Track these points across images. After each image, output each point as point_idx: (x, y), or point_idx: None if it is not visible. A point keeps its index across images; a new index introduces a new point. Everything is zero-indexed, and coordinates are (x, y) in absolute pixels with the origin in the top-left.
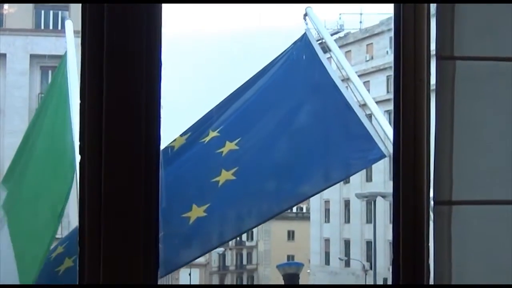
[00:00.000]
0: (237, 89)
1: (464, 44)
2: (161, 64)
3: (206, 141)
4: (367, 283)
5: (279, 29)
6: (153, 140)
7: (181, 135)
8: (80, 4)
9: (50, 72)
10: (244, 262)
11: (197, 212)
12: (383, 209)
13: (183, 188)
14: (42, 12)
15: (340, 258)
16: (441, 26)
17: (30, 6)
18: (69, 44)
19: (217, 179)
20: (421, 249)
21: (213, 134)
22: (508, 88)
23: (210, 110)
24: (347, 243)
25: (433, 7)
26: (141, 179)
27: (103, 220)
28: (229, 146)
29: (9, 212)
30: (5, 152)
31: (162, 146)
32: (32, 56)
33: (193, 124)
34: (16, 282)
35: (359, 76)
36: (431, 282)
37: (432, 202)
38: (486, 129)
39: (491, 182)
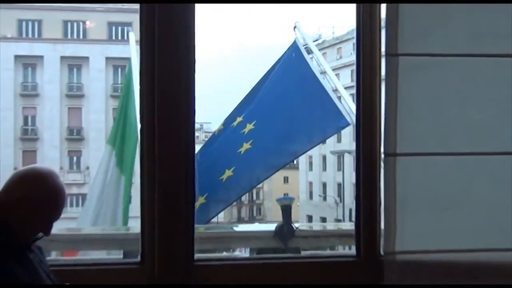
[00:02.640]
0: (255, 85)
1: (406, 43)
2: (195, 60)
3: (234, 125)
4: (338, 212)
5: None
6: (190, 117)
7: (222, 124)
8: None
9: (119, 69)
10: (254, 198)
11: (227, 173)
12: (349, 161)
13: (220, 159)
14: (113, 27)
15: (319, 195)
16: (388, 26)
17: (105, 23)
18: (132, 49)
19: (240, 150)
20: (374, 189)
21: (239, 119)
22: (440, 75)
23: (238, 104)
24: (324, 185)
25: None
26: (182, 145)
27: (158, 174)
28: (249, 127)
29: (120, 165)
30: (90, 124)
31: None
32: (107, 58)
33: (228, 115)
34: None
35: (332, 70)
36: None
37: (382, 155)
38: (421, 104)
39: (426, 140)
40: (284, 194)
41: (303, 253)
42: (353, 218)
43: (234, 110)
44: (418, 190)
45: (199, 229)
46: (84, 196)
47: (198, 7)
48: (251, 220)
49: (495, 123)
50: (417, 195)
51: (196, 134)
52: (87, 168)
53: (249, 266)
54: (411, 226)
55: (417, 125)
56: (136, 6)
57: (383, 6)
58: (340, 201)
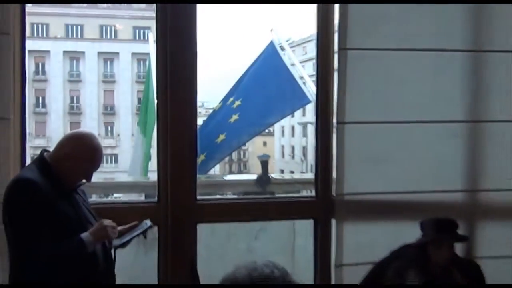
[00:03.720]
0: (243, 73)
1: (354, 38)
2: (197, 51)
3: (228, 103)
4: (303, 167)
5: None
6: (193, 96)
7: (219, 102)
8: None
9: (142, 62)
10: (241, 157)
11: (221, 137)
12: (311, 130)
13: (217, 128)
14: (137, 30)
15: (289, 155)
16: (340, 25)
17: (130, 26)
18: (150, 46)
19: (230, 120)
20: (329, 149)
21: (231, 99)
22: (381, 64)
23: (231, 87)
24: (293, 147)
25: None
26: (188, 117)
27: (170, 138)
28: (237, 103)
29: (143, 131)
30: (120, 102)
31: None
32: (132, 54)
33: (224, 96)
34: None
35: (299, 62)
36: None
37: (335, 124)
38: (365, 86)
39: (368, 112)
40: (263, 154)
41: (277, 195)
42: (313, 170)
43: (228, 92)
44: (361, 148)
45: (201, 178)
46: (116, 155)
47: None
48: (239, 172)
49: (422, 100)
50: (361, 152)
51: (198, 110)
52: (118, 135)
53: (236, 204)
54: (355, 175)
55: (361, 101)
56: (153, 13)
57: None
58: (304, 159)
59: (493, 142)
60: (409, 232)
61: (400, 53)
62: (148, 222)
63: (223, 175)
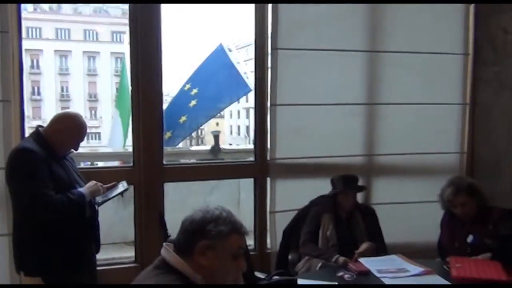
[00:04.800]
0: (198, 67)
1: (284, 39)
2: (161, 45)
3: (186, 89)
4: (246, 142)
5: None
6: (159, 85)
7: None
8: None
9: (118, 59)
10: (199, 134)
11: (183, 118)
12: (253, 112)
13: (179, 111)
14: (114, 34)
15: (236, 132)
16: (272, 26)
17: (109, 30)
18: (125, 47)
19: (190, 104)
20: (264, 126)
21: (188, 86)
22: (308, 60)
23: (188, 78)
24: (239, 127)
25: None
26: (155, 99)
27: (142, 118)
28: (195, 91)
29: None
30: (101, 92)
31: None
32: (111, 53)
33: (183, 84)
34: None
35: (244, 61)
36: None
37: (269, 106)
38: (293, 77)
39: (296, 97)
40: (215, 130)
41: (226, 160)
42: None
43: (186, 81)
44: (289, 124)
45: (167, 149)
46: (99, 134)
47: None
48: (197, 145)
49: (332, 87)
50: (288, 127)
51: (164, 97)
52: (101, 117)
53: (195, 168)
54: (284, 144)
55: (288, 89)
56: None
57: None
58: (248, 136)
59: (384, 119)
60: (323, 187)
61: (316, 53)
62: (125, 184)
63: (187, 147)
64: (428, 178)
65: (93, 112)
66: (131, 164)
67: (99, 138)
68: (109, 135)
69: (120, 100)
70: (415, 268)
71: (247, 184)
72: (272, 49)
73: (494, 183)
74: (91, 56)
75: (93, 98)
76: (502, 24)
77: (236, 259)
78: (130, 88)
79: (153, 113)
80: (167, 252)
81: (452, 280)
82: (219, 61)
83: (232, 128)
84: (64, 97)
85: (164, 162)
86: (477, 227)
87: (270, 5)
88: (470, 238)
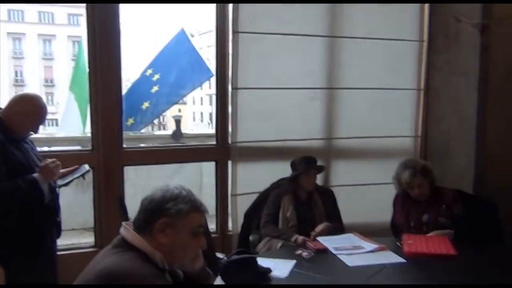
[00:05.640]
0: (160, 51)
1: (245, 23)
2: (120, 28)
3: (147, 75)
4: (210, 128)
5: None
6: (118, 68)
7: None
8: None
9: (75, 42)
10: (161, 121)
11: (145, 105)
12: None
13: (141, 97)
14: (71, 16)
15: (199, 119)
16: (233, 11)
17: (66, 13)
18: (83, 30)
19: (152, 90)
20: (226, 110)
21: (149, 71)
22: (267, 43)
23: (149, 63)
24: (201, 113)
25: None
26: (114, 82)
27: (101, 102)
28: (156, 76)
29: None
30: (58, 76)
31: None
32: (68, 36)
33: (144, 69)
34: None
35: (207, 47)
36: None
37: (230, 90)
38: (253, 60)
39: (255, 80)
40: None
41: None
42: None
43: (147, 66)
44: (249, 108)
45: (128, 134)
46: (56, 120)
47: None
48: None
49: (293, 71)
50: (249, 111)
51: (125, 84)
52: (58, 103)
53: (155, 151)
54: (245, 128)
55: (249, 73)
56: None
57: None
58: (211, 122)
59: (343, 104)
60: (284, 170)
61: (277, 37)
62: (86, 166)
63: (148, 132)
64: (384, 160)
65: (49, 97)
66: (90, 148)
67: (57, 125)
68: (62, 118)
69: (75, 83)
70: (369, 245)
71: (209, 169)
72: (233, 32)
73: (444, 165)
74: (47, 39)
75: (49, 83)
76: (454, 13)
77: (196, 237)
78: (87, 70)
79: (112, 97)
80: (126, 230)
81: (404, 256)
82: (181, 46)
83: (195, 115)
84: (19, 82)
85: (124, 146)
86: (431, 206)
87: None
88: (425, 217)
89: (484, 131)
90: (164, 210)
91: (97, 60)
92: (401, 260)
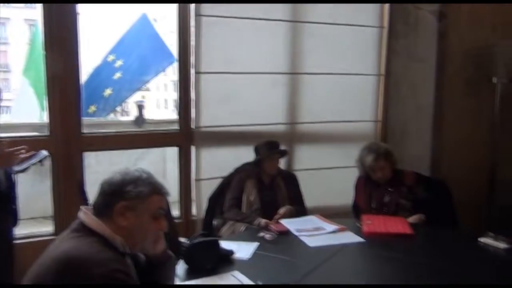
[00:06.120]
0: (121, 36)
1: (208, 8)
2: (77, 11)
3: (109, 61)
4: (174, 114)
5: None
6: (76, 52)
7: (101, 60)
8: None
9: (32, 26)
10: (124, 108)
11: (108, 92)
12: None
13: (103, 83)
14: None
15: (164, 106)
16: None
17: None
18: (38, 13)
19: (114, 77)
20: (189, 94)
21: (111, 57)
22: (228, 27)
23: (111, 48)
24: (166, 100)
25: None
26: (72, 67)
27: (58, 87)
28: (119, 62)
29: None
30: (13, 61)
31: None
32: (25, 20)
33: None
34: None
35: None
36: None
37: (193, 75)
38: (216, 44)
39: (218, 64)
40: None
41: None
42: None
43: (108, 52)
44: (213, 93)
45: (88, 119)
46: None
47: None
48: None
49: (257, 56)
50: (212, 96)
51: (87, 69)
52: (14, 89)
53: (117, 137)
54: (209, 113)
55: (212, 56)
56: None
57: None
58: (176, 109)
59: (306, 89)
60: (247, 154)
61: (240, 21)
62: (44, 152)
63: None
64: (346, 144)
65: (4, 83)
66: (47, 133)
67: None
68: (15, 104)
69: (29, 68)
70: (330, 226)
71: (172, 155)
72: (196, 15)
73: (403, 149)
74: (1, 22)
75: (4, 68)
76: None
77: (157, 220)
78: (44, 50)
79: (70, 80)
80: (85, 215)
81: (363, 235)
82: (143, 31)
83: (159, 101)
84: None
85: (83, 131)
86: (392, 188)
87: None
88: (386, 199)
89: (440, 117)
90: (123, 193)
91: (53, 43)
92: (360, 239)
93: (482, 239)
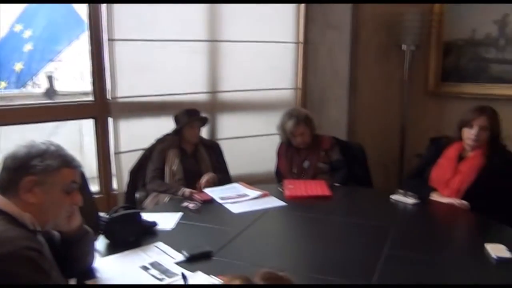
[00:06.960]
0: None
1: None
2: None
3: (17, 31)
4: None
5: None
6: None
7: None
8: None
9: None
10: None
11: (19, 66)
12: None
13: (13, 55)
14: None
15: (80, 78)
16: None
17: None
18: None
19: (24, 49)
20: (102, 62)
21: (19, 27)
22: None
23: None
24: (81, 72)
25: None
26: None
27: None
28: (28, 33)
29: None
30: None
31: None
32: None
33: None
34: None
35: None
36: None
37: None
38: (130, 10)
39: (133, 31)
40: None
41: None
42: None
43: (14, 21)
44: (129, 61)
45: None
46: None
47: None
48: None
49: (174, 22)
50: (128, 64)
51: None
52: None
53: (24, 109)
54: (125, 82)
55: (126, 22)
56: None
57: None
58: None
59: (226, 57)
60: (168, 125)
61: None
62: None
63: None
64: (267, 112)
65: None
66: None
67: None
68: None
69: None
70: (253, 193)
71: (89, 128)
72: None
73: (321, 115)
74: None
75: None
76: None
77: (69, 194)
78: None
79: None
80: None
81: (285, 199)
82: None
83: (74, 73)
84: None
85: None
86: (312, 153)
87: None
88: (306, 164)
89: (355, 83)
90: (29, 167)
91: None
92: (283, 203)
93: (393, 196)
